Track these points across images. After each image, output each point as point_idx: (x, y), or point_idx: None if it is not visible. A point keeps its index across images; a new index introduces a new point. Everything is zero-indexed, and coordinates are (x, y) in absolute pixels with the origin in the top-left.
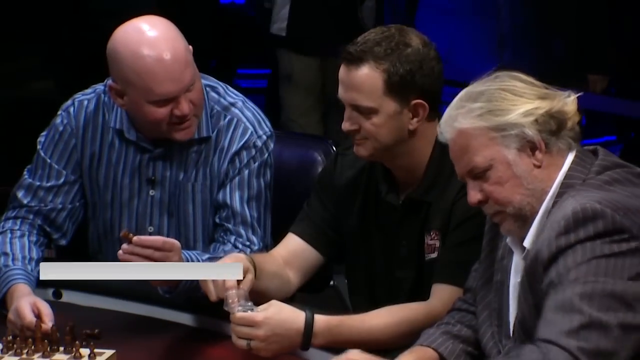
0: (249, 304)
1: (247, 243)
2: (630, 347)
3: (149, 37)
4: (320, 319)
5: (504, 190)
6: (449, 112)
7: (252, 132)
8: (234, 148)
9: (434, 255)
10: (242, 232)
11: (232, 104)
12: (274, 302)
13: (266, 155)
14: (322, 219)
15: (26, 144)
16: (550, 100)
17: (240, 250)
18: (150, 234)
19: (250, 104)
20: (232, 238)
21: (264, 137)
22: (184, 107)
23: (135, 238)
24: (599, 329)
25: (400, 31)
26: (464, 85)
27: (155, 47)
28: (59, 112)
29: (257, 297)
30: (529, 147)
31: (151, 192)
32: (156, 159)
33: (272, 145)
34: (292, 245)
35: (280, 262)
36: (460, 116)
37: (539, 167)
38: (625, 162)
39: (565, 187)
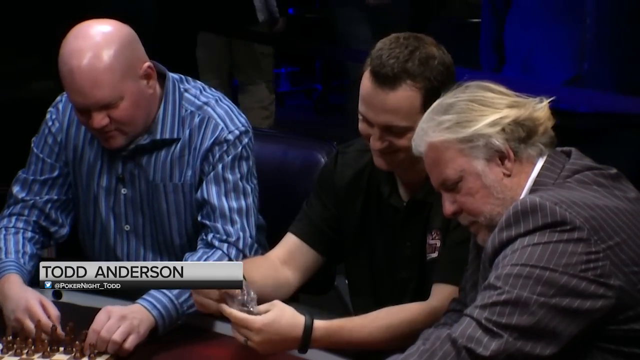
0: (252, 295)
1: (224, 237)
2: (569, 331)
3: (76, 45)
4: (319, 326)
5: (475, 201)
6: (420, 125)
7: (222, 127)
8: (205, 145)
9: (435, 254)
10: (219, 226)
11: (205, 103)
12: (276, 303)
13: (240, 148)
14: (321, 219)
15: (26, 144)
16: (519, 108)
17: (217, 248)
18: (127, 232)
19: (224, 102)
20: (210, 236)
21: (236, 131)
22: (94, 121)
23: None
24: (516, 306)
25: (417, 41)
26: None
27: (73, 57)
28: (49, 109)
29: None
30: (498, 156)
31: (123, 191)
32: (125, 158)
33: (246, 140)
34: (290, 245)
35: (276, 264)
36: (430, 130)
37: (508, 175)
38: (598, 164)
39: (533, 192)
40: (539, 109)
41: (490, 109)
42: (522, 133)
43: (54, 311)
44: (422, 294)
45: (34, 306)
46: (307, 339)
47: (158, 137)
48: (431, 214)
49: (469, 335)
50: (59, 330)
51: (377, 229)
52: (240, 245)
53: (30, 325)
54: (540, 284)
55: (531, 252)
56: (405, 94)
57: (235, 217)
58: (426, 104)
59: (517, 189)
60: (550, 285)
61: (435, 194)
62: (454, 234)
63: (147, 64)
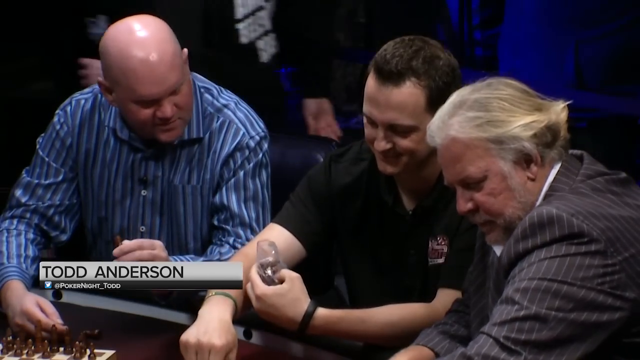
0: (276, 262)
1: (246, 243)
2: (587, 346)
3: (138, 37)
4: (319, 316)
5: (497, 202)
6: (441, 117)
7: (244, 133)
8: (226, 150)
9: (441, 260)
10: (241, 232)
11: (225, 106)
12: (292, 278)
13: (260, 155)
14: (314, 218)
15: (26, 144)
16: (546, 112)
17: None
18: (142, 234)
19: (243, 105)
20: (231, 239)
21: (257, 137)
22: (167, 110)
23: (116, 250)
24: (535, 321)
25: (423, 42)
26: None
27: (142, 47)
28: (57, 112)
29: None
30: (525, 159)
31: (143, 192)
32: (148, 159)
33: (265, 146)
34: (274, 237)
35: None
36: (457, 124)
37: (532, 180)
38: (609, 169)
39: (547, 197)
40: (562, 112)
41: (520, 109)
42: (549, 138)
43: (51, 309)
44: (425, 301)
45: (30, 308)
46: (304, 325)
47: (186, 137)
48: (436, 220)
49: (485, 353)
50: (59, 326)
51: (379, 238)
52: None
53: (30, 327)
54: (558, 299)
55: (548, 265)
56: (409, 91)
57: (255, 226)
58: (431, 103)
59: (537, 193)
60: (569, 299)
61: (443, 202)
62: (463, 239)
63: (185, 49)
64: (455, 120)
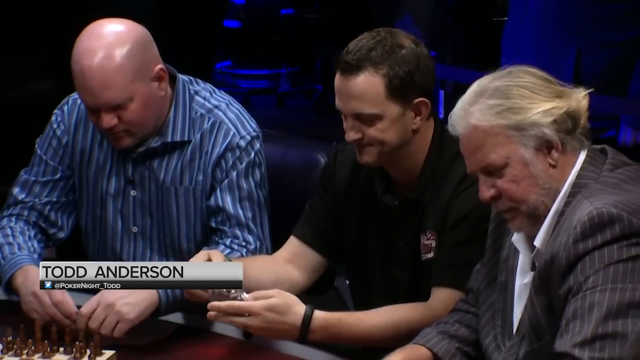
0: (244, 296)
1: (244, 243)
2: None
3: (88, 44)
4: (318, 317)
5: (520, 189)
6: (462, 106)
7: (234, 133)
8: (217, 151)
9: (430, 255)
10: (238, 233)
11: (216, 107)
12: (276, 292)
13: (252, 154)
14: (323, 219)
15: (26, 144)
16: (566, 99)
17: (236, 251)
18: (134, 234)
19: (235, 105)
20: (228, 240)
21: (248, 137)
22: (103, 122)
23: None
24: (615, 338)
25: (390, 34)
26: None
27: (84, 56)
28: (54, 111)
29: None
30: (546, 146)
31: (132, 193)
32: (136, 160)
33: (258, 145)
34: (293, 247)
35: (278, 261)
36: (478, 112)
37: (554, 166)
38: (632, 160)
39: (578, 186)
40: (583, 99)
41: (540, 96)
42: (569, 124)
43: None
44: (415, 294)
45: (63, 296)
46: (305, 329)
47: (169, 139)
48: (425, 214)
49: None
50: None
51: (372, 229)
52: (257, 254)
53: (55, 312)
54: (632, 307)
55: (615, 271)
56: (366, 80)
57: (252, 225)
58: (392, 91)
59: (561, 180)
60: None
61: (428, 194)
62: (451, 235)
63: (160, 66)
64: (475, 108)
